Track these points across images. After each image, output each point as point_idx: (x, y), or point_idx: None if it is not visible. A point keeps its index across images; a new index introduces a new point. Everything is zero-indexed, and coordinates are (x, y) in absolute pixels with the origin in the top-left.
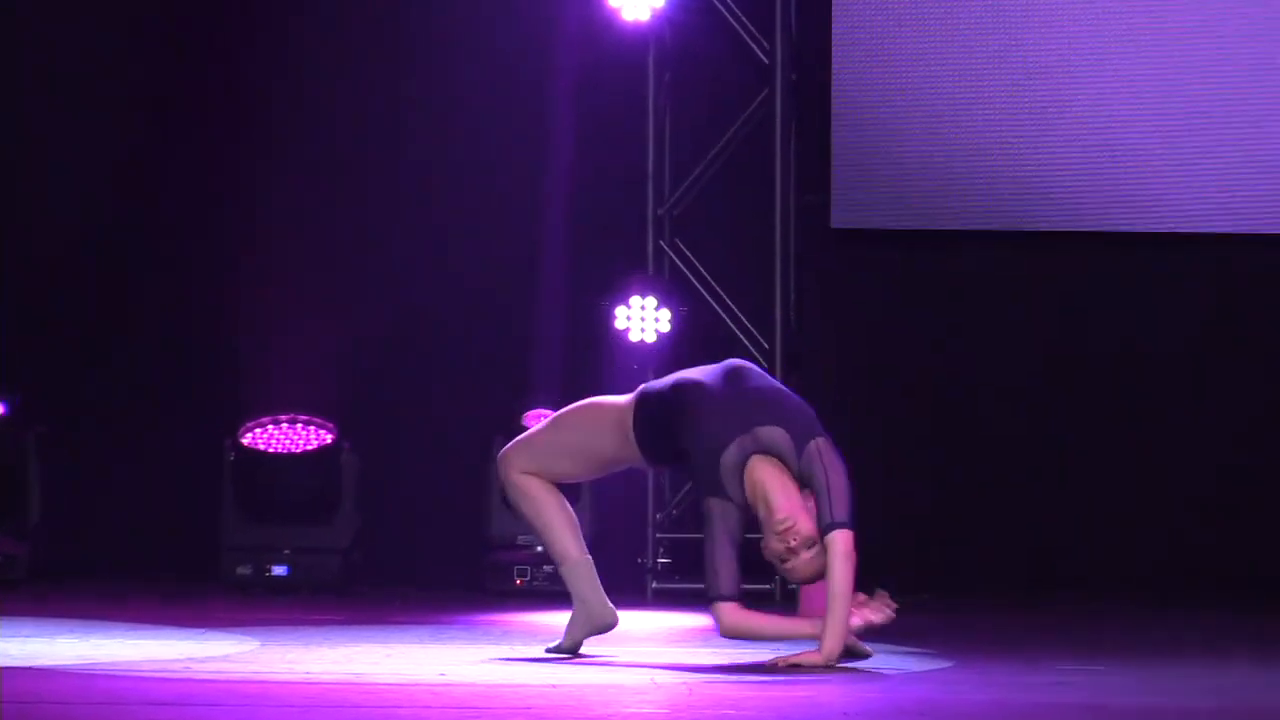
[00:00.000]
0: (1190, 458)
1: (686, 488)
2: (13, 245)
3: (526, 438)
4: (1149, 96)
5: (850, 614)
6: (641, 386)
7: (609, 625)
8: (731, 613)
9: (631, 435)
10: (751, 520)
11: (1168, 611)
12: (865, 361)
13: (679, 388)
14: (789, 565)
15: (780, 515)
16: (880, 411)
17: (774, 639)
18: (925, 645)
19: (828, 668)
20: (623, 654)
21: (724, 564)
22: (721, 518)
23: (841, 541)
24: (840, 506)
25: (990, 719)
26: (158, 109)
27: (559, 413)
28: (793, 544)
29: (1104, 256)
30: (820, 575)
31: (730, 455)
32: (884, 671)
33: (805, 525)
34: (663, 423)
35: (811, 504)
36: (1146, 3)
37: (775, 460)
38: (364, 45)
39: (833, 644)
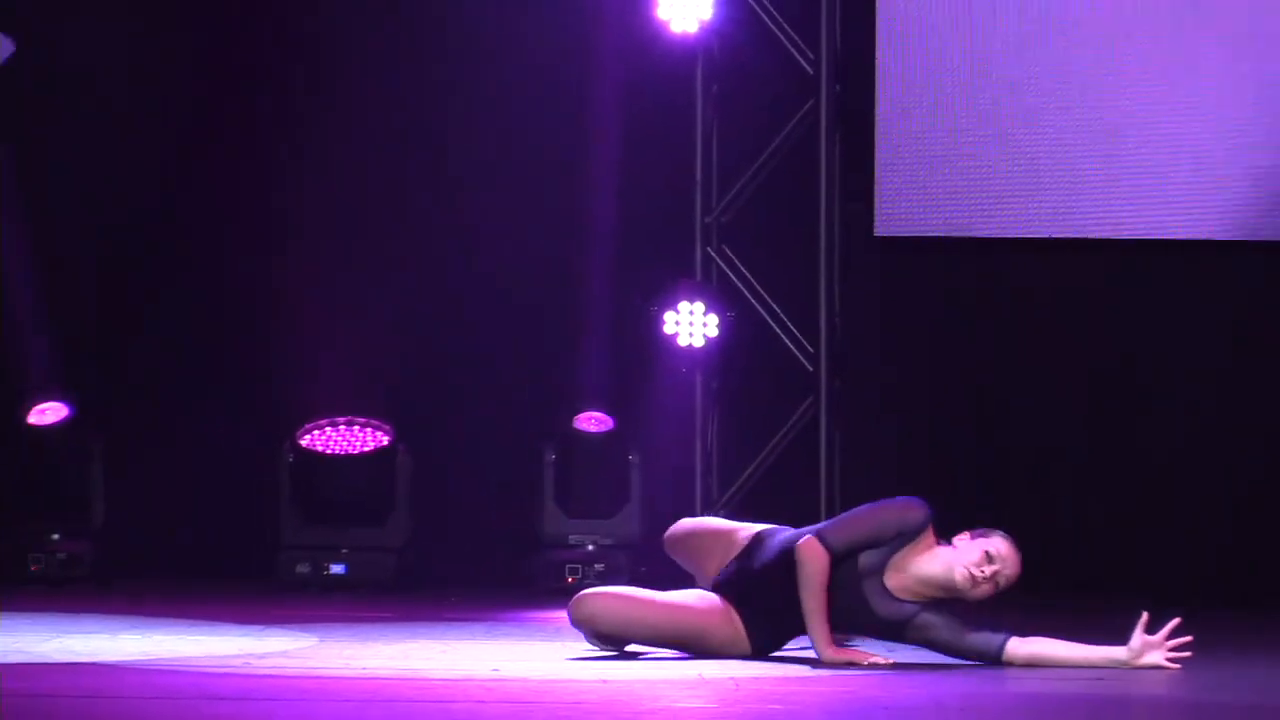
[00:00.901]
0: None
1: (733, 489)
2: (78, 254)
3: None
4: (1198, 108)
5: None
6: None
7: None
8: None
9: None
10: None
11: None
12: (909, 366)
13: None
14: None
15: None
16: (924, 414)
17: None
18: None
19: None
20: (671, 651)
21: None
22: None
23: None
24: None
25: (1030, 711)
26: (209, 120)
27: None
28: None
29: (1148, 263)
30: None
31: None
32: (923, 666)
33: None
34: None
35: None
36: (1196, 13)
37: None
38: (412, 53)
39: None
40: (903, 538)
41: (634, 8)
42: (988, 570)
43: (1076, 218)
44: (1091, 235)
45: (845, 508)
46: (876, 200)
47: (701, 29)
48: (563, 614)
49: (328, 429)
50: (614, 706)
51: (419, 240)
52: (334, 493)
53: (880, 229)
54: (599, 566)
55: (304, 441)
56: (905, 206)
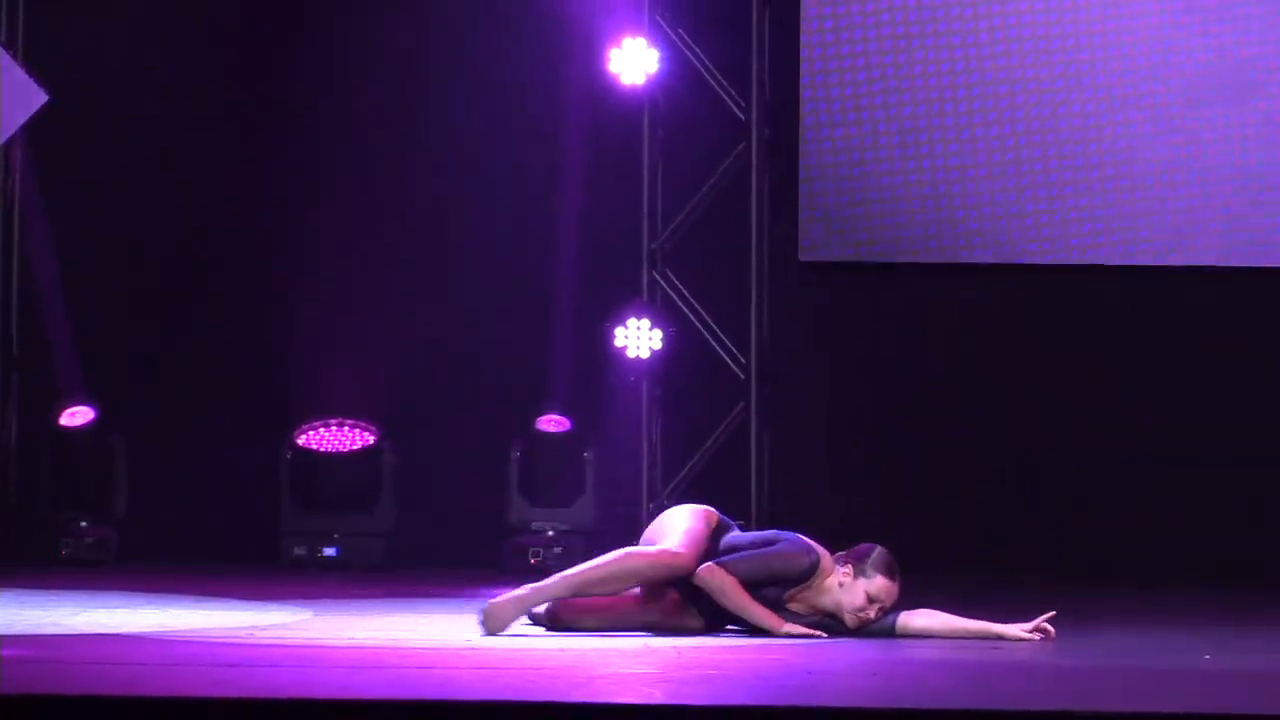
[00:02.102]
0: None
1: (674, 482)
2: (95, 269)
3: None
4: (1097, 137)
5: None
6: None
7: None
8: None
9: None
10: None
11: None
12: (829, 375)
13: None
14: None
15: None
16: (843, 417)
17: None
18: None
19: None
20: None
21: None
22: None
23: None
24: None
25: (931, 671)
26: (216, 132)
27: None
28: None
29: (1053, 284)
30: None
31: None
32: (845, 642)
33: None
34: None
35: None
36: (1093, 41)
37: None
38: (406, 83)
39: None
40: (796, 580)
41: (591, 62)
42: (871, 612)
43: (978, 243)
44: (997, 261)
45: (774, 496)
46: (800, 229)
47: (648, 81)
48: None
49: (321, 429)
50: (571, 671)
51: (405, 263)
52: (327, 485)
53: (804, 255)
54: (558, 549)
55: (301, 440)
56: (826, 234)
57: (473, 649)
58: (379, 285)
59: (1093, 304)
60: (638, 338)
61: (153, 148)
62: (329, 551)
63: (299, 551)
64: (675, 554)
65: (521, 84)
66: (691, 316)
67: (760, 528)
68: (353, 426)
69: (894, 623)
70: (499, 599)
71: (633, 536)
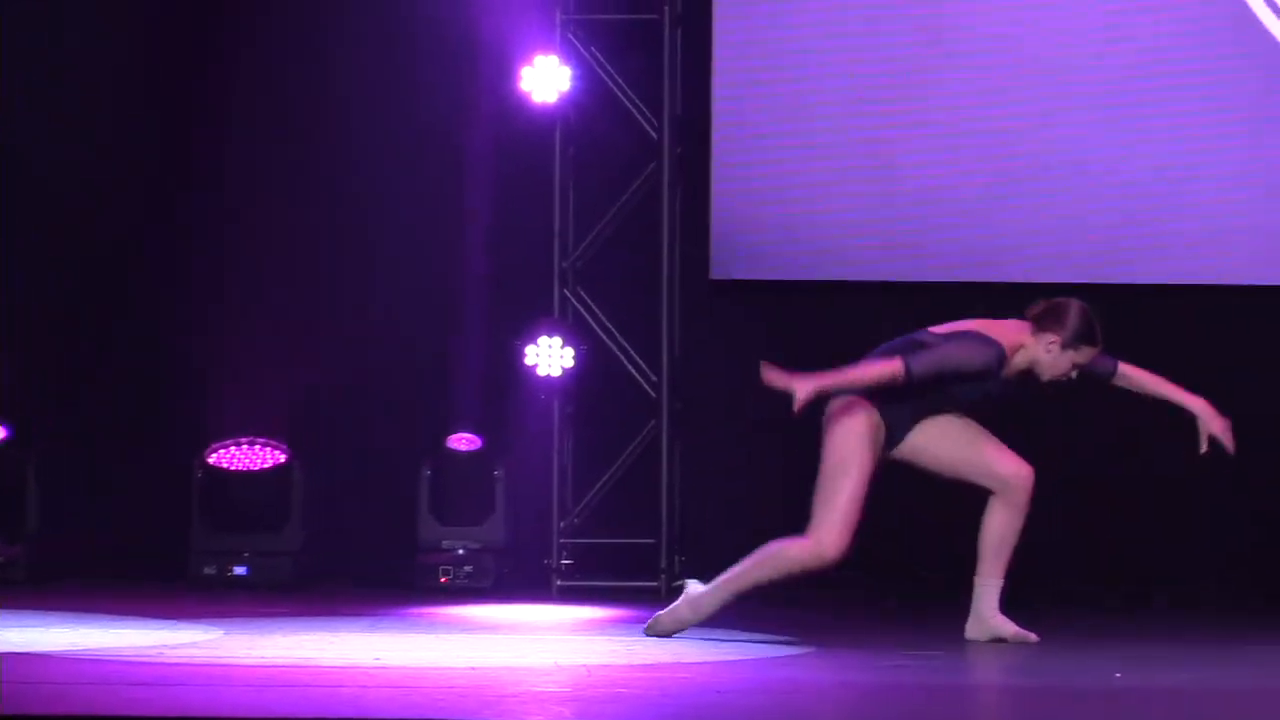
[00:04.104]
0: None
1: (586, 499)
2: (12, 285)
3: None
4: (1010, 158)
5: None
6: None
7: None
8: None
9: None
10: None
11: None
12: (739, 391)
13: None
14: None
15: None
16: (754, 437)
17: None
18: (791, 634)
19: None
20: (531, 642)
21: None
22: None
23: None
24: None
25: (837, 693)
26: (126, 147)
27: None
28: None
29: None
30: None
31: None
32: (754, 657)
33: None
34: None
35: None
36: (1017, 53)
37: None
38: (311, 101)
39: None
40: (981, 373)
41: (503, 80)
42: (1073, 374)
43: (892, 261)
44: (899, 279)
45: (684, 515)
46: (711, 248)
47: (560, 99)
48: (436, 610)
49: (232, 448)
50: (481, 689)
51: (316, 283)
52: (237, 504)
53: (715, 273)
54: (468, 568)
55: (211, 459)
56: (738, 253)
57: (382, 667)
58: (290, 304)
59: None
60: (549, 356)
61: (62, 161)
62: (239, 570)
63: (209, 570)
64: (822, 555)
65: (432, 101)
66: (603, 334)
67: (671, 542)
68: (263, 445)
69: (1114, 369)
70: (664, 612)
71: (544, 551)
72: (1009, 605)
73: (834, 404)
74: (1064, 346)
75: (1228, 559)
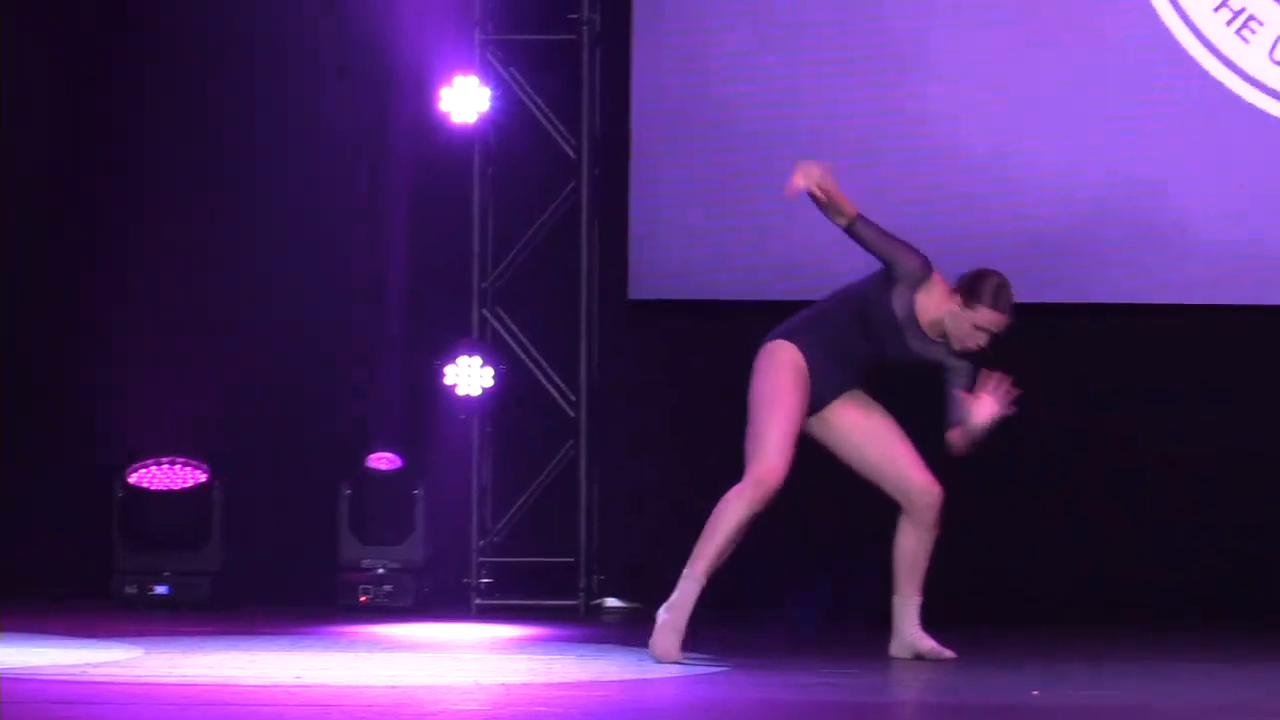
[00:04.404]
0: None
1: (505, 518)
2: None
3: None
4: (935, 177)
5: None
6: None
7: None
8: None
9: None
10: None
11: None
12: (659, 413)
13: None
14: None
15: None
16: (672, 456)
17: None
18: (711, 653)
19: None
20: (451, 661)
21: None
22: None
23: None
24: None
25: (757, 712)
26: (34, 159)
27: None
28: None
29: None
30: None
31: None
32: (674, 675)
33: None
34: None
35: None
36: (930, 79)
37: None
38: (228, 119)
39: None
40: (909, 275)
41: (422, 100)
42: (981, 339)
43: (810, 281)
44: (815, 299)
45: (603, 534)
46: (630, 267)
47: (479, 119)
48: (357, 628)
49: (153, 467)
50: (401, 708)
51: (236, 303)
52: (158, 523)
53: (634, 293)
54: (388, 587)
55: (132, 479)
56: (657, 272)
57: (303, 686)
58: (210, 325)
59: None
60: (468, 375)
61: None
62: (160, 589)
63: (130, 589)
64: (762, 481)
65: (352, 121)
66: (522, 354)
67: (589, 561)
68: (184, 465)
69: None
70: (656, 639)
71: (463, 570)
72: (932, 621)
73: (763, 351)
74: (963, 306)
75: (1173, 577)
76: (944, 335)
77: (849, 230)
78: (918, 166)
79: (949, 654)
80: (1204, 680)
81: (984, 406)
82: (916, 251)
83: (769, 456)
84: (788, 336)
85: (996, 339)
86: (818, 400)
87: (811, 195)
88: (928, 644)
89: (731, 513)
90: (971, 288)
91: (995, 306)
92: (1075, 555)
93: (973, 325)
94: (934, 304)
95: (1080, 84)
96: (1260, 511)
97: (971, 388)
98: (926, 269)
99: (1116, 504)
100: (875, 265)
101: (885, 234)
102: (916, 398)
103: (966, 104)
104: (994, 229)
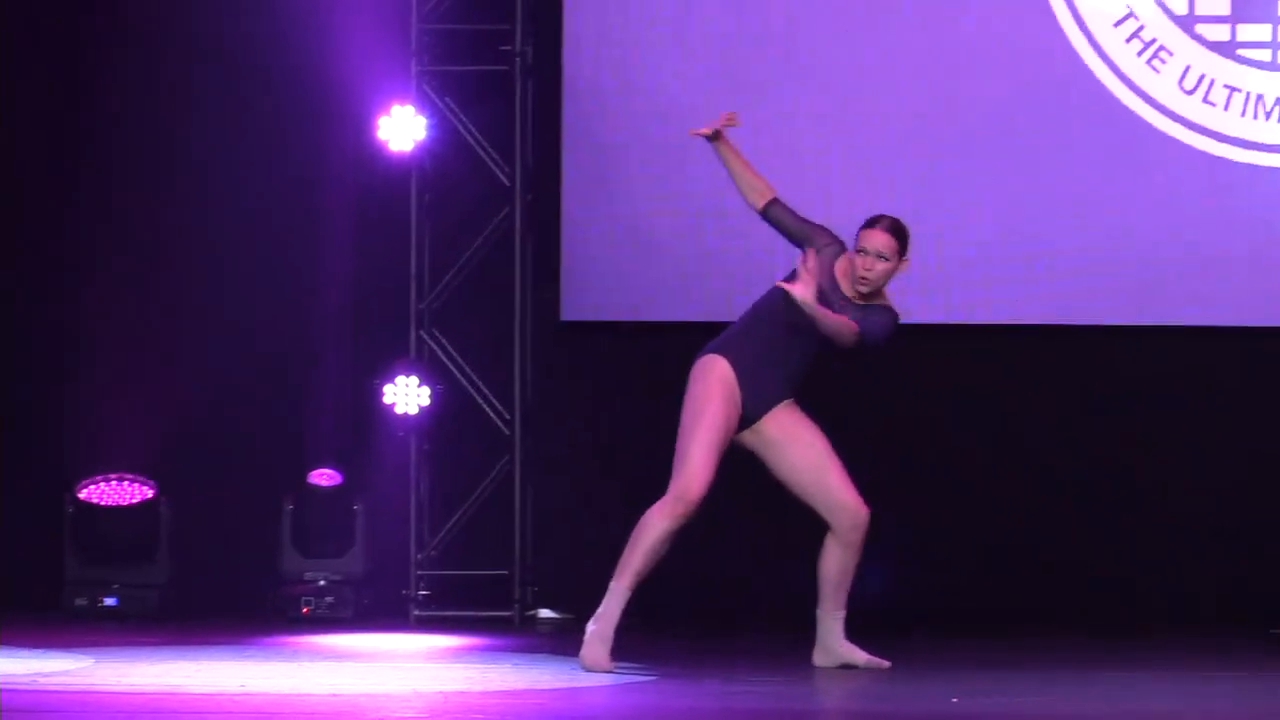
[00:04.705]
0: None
1: (442, 532)
2: None
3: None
4: (862, 201)
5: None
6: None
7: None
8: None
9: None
10: None
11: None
12: (591, 431)
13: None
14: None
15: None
16: (604, 472)
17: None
18: (642, 663)
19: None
20: (390, 670)
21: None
22: None
23: None
24: None
25: (685, 719)
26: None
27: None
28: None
29: None
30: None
31: None
32: (605, 684)
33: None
34: None
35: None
36: (859, 104)
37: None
38: (170, 144)
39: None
40: (828, 252)
41: (360, 129)
42: (869, 262)
43: (739, 301)
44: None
45: (536, 547)
46: (563, 290)
47: (416, 147)
48: (299, 639)
49: (102, 483)
50: (342, 715)
51: (182, 322)
52: (107, 538)
53: (566, 315)
54: (329, 599)
55: (82, 495)
56: (588, 295)
57: (247, 694)
58: (157, 344)
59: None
60: (406, 395)
61: None
62: (109, 601)
63: (80, 601)
64: (682, 497)
65: (293, 149)
66: (458, 374)
67: (524, 573)
68: (132, 481)
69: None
70: (585, 650)
71: (402, 582)
72: (858, 630)
73: (695, 365)
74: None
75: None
76: (865, 289)
77: (765, 211)
78: (846, 192)
79: (884, 663)
80: (1122, 689)
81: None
82: (826, 229)
83: (689, 473)
84: (719, 350)
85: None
86: (752, 412)
87: (720, 154)
88: (861, 656)
89: (653, 528)
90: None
91: (863, 227)
92: (1029, 564)
93: (859, 253)
94: (846, 264)
95: (997, 113)
96: (1185, 526)
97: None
98: (839, 240)
99: (1045, 519)
100: None
101: (799, 216)
102: (849, 414)
103: (889, 129)
104: (916, 248)
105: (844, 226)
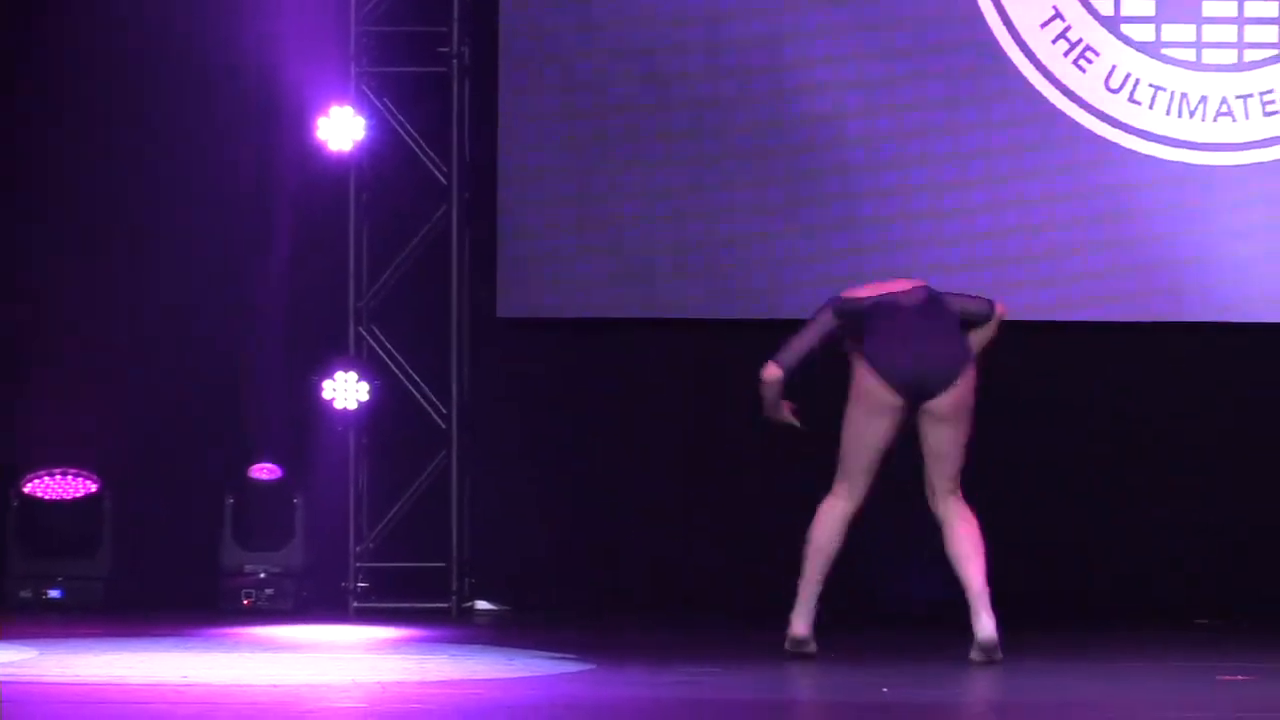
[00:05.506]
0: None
1: (380, 525)
2: None
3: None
4: (802, 197)
5: None
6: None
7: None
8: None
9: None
10: None
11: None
12: (527, 425)
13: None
14: None
15: None
16: (540, 465)
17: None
18: (579, 653)
19: None
20: (330, 661)
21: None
22: None
23: None
24: None
25: (620, 707)
26: None
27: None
28: None
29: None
30: None
31: None
32: (543, 674)
33: None
34: None
35: None
36: (794, 101)
37: None
38: (110, 144)
39: None
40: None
41: (300, 129)
42: None
43: (677, 298)
44: (683, 315)
45: (473, 540)
46: (499, 286)
47: (355, 147)
48: (240, 630)
49: (45, 478)
50: (283, 705)
51: (122, 319)
52: (51, 531)
53: (502, 311)
54: (269, 591)
55: (26, 489)
56: (524, 291)
57: (189, 685)
58: (100, 340)
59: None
60: (345, 390)
61: None
62: (53, 594)
63: (25, 594)
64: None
65: (234, 148)
66: (396, 370)
67: (461, 565)
68: (75, 475)
69: None
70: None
71: (341, 574)
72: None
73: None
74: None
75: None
76: None
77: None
78: (775, 195)
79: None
80: (1054, 679)
81: None
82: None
83: None
84: None
85: None
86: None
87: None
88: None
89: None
90: None
91: None
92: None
93: None
94: None
95: (926, 114)
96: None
97: None
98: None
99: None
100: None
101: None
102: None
103: (818, 130)
104: (849, 251)
105: (769, 225)
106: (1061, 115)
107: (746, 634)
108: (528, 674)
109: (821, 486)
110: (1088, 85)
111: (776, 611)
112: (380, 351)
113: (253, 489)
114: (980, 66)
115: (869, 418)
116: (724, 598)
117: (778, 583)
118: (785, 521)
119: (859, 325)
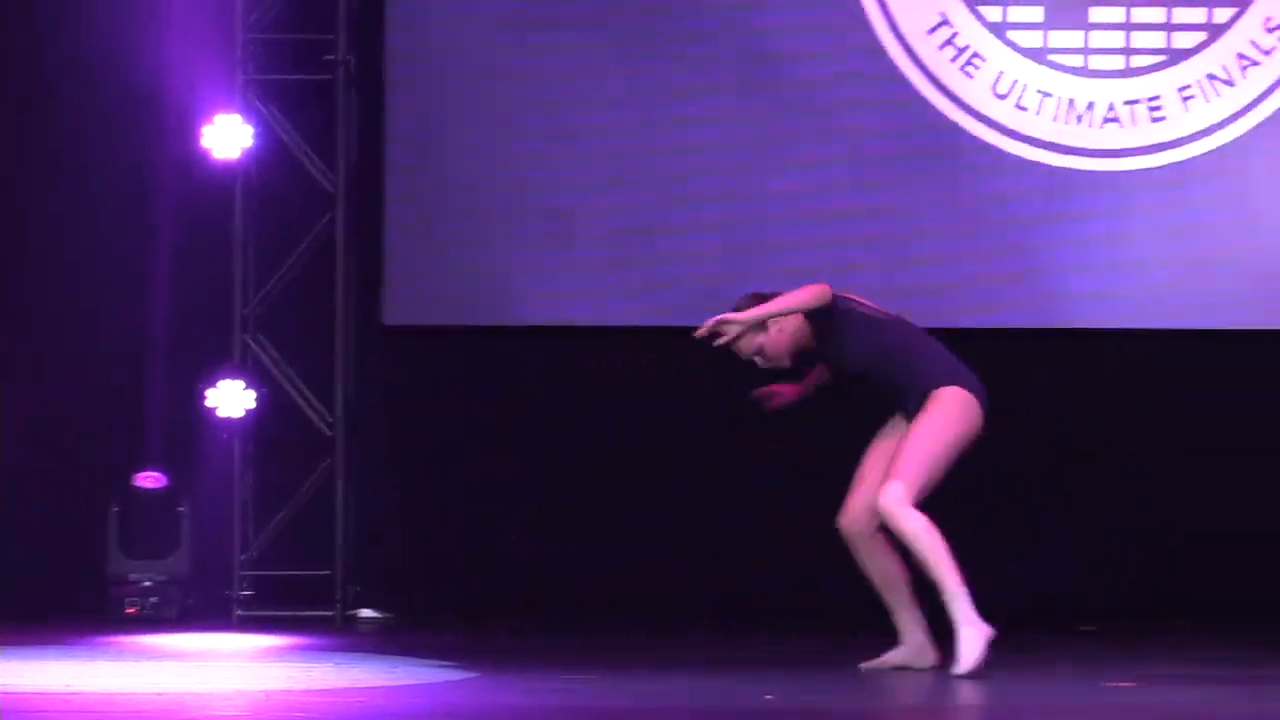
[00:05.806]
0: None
1: (265, 532)
2: None
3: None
4: (692, 200)
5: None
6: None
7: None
8: None
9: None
10: None
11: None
12: (412, 432)
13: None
14: None
15: None
16: (423, 471)
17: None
18: (459, 661)
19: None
20: (214, 669)
21: None
22: None
23: None
24: None
25: (502, 715)
26: None
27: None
28: None
29: (638, 348)
30: None
31: None
32: (425, 682)
33: None
34: None
35: None
36: (683, 105)
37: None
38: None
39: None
40: None
41: (185, 137)
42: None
43: (555, 308)
44: (559, 324)
45: (358, 548)
46: (385, 295)
47: (242, 155)
48: (125, 639)
49: None
50: (167, 713)
51: (8, 330)
52: None
53: (387, 319)
54: (154, 599)
55: None
56: (411, 299)
57: (73, 693)
58: None
59: (675, 363)
60: (230, 398)
61: None
62: None
63: None
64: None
65: (119, 155)
66: (281, 378)
67: (345, 573)
68: None
69: None
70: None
71: (226, 582)
72: (680, 630)
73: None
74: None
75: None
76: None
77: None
78: (662, 201)
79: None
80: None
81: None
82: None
83: None
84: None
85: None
86: None
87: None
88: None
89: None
90: None
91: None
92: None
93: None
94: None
95: (814, 121)
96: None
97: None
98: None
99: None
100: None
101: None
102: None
103: (704, 134)
104: (725, 246)
105: (650, 233)
106: (948, 122)
107: (629, 639)
108: (411, 682)
109: (711, 486)
110: (975, 91)
111: (667, 617)
112: (265, 358)
113: (138, 497)
114: (865, 72)
115: (966, 440)
116: (613, 604)
117: (674, 585)
118: (669, 523)
119: (840, 332)
